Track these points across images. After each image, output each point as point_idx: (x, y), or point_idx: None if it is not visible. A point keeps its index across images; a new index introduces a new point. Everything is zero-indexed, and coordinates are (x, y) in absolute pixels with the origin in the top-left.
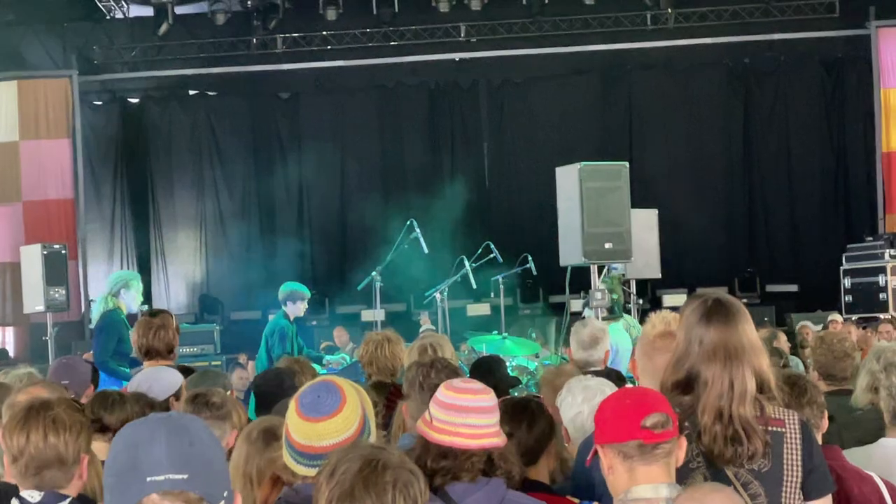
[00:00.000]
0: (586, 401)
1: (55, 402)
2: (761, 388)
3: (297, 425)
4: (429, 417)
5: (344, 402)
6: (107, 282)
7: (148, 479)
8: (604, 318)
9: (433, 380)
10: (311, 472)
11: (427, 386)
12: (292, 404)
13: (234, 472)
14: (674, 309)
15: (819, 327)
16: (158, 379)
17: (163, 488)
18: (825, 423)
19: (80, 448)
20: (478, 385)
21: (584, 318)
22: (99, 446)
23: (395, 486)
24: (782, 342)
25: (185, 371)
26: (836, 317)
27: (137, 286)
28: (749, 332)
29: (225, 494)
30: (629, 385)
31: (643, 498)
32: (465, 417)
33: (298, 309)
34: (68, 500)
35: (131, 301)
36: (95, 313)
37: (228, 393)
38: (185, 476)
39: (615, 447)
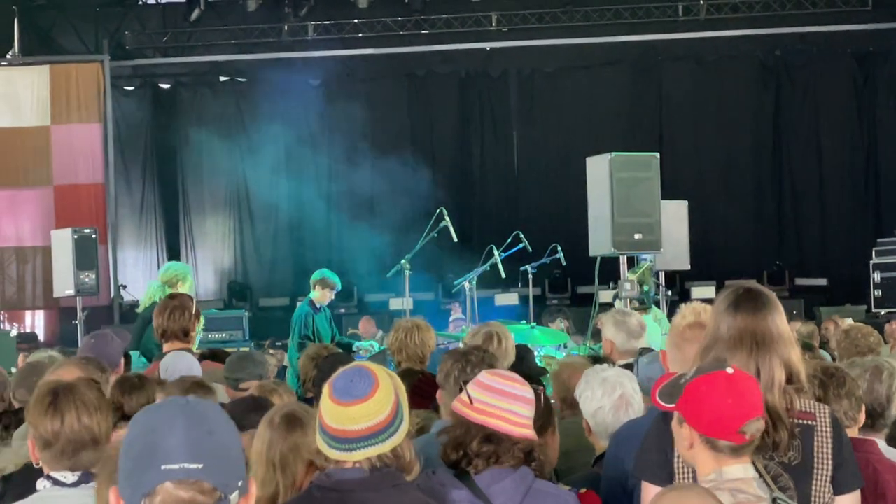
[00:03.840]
0: (606, 395)
1: (78, 384)
2: (790, 379)
3: (329, 409)
4: (467, 399)
5: (377, 387)
6: (162, 271)
7: (163, 466)
8: (633, 310)
9: (468, 375)
10: (344, 456)
11: (462, 379)
12: (325, 389)
13: (258, 457)
14: (703, 301)
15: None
16: (178, 365)
17: (177, 477)
18: (862, 417)
19: (110, 426)
20: (520, 378)
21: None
22: (121, 434)
23: None
24: (816, 339)
25: (218, 356)
26: (847, 321)
27: (192, 282)
28: (779, 321)
29: (239, 484)
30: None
31: (737, 478)
32: (511, 403)
33: (325, 297)
34: None
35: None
36: (146, 299)
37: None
38: (200, 466)
39: (707, 438)
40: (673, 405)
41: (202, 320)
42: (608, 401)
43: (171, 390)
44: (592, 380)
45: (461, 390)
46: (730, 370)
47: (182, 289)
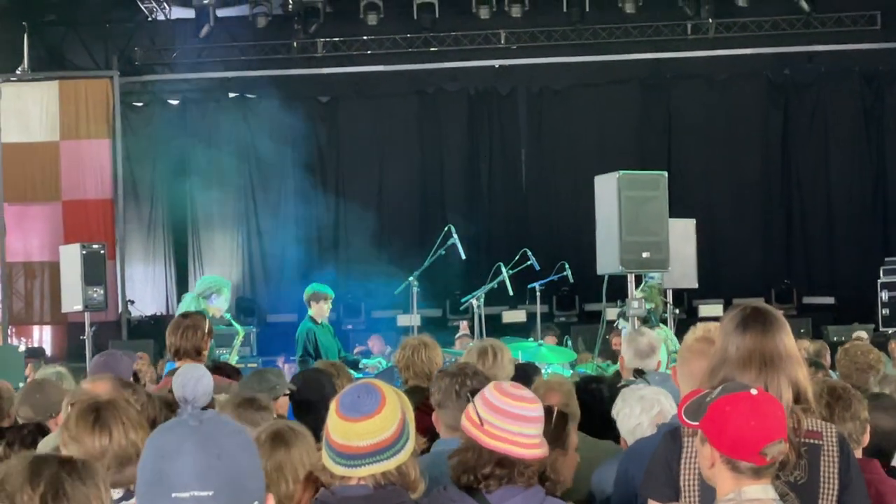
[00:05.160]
0: (644, 412)
1: (119, 400)
2: (797, 398)
3: (336, 425)
4: (478, 420)
5: (383, 404)
6: (199, 282)
7: (173, 494)
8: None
9: (469, 387)
10: (349, 472)
11: (464, 394)
12: (333, 405)
13: None
14: (712, 319)
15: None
16: (191, 375)
17: None
18: (867, 438)
19: None
20: (529, 393)
21: (617, 326)
22: None
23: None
24: (827, 358)
25: (222, 368)
26: (860, 333)
27: (227, 294)
28: (787, 341)
29: None
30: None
31: (756, 499)
32: (522, 426)
33: (322, 309)
34: None
35: (221, 306)
36: (182, 309)
37: None
38: (211, 492)
39: (728, 459)
40: (697, 423)
41: (241, 334)
42: (647, 418)
43: (224, 406)
44: (629, 398)
45: (468, 401)
46: (754, 391)
47: (217, 301)
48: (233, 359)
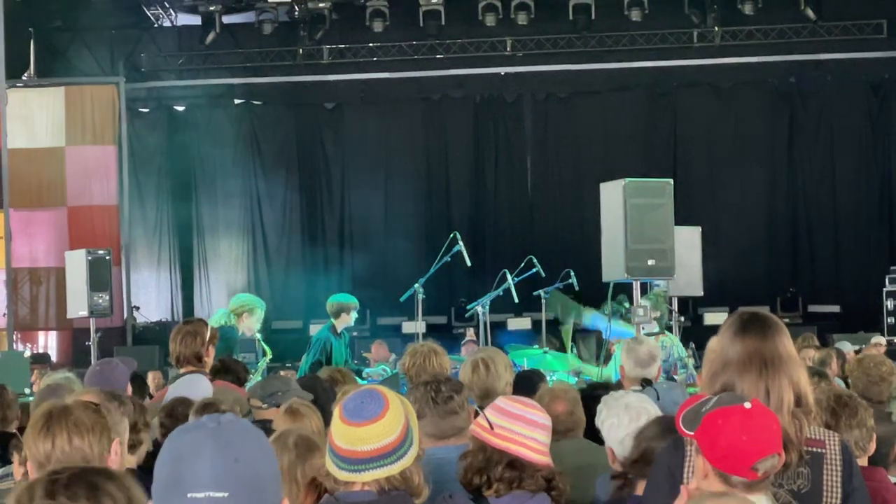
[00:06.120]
0: (632, 421)
1: (74, 406)
2: (798, 401)
3: (339, 430)
4: (488, 425)
5: (387, 409)
6: (233, 299)
7: (189, 495)
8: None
9: (444, 393)
10: (353, 477)
11: (440, 399)
12: (336, 410)
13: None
14: (718, 328)
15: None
16: (192, 388)
17: None
18: (873, 446)
19: (104, 448)
20: (538, 404)
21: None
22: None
23: None
24: (834, 366)
25: (229, 367)
26: (878, 339)
27: (261, 315)
28: (786, 344)
29: None
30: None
31: None
32: (532, 431)
33: (347, 320)
34: None
35: (251, 325)
36: (212, 323)
37: None
38: (226, 494)
39: (720, 472)
40: (693, 433)
41: (268, 355)
42: (634, 427)
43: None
44: (613, 405)
45: (477, 415)
46: (748, 405)
47: (248, 320)
48: (255, 379)
